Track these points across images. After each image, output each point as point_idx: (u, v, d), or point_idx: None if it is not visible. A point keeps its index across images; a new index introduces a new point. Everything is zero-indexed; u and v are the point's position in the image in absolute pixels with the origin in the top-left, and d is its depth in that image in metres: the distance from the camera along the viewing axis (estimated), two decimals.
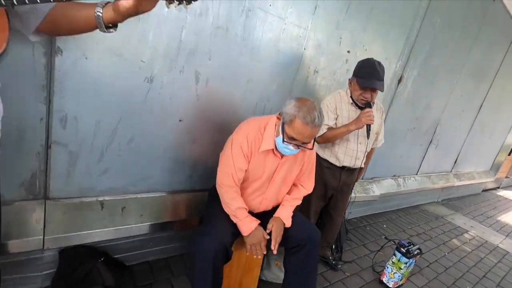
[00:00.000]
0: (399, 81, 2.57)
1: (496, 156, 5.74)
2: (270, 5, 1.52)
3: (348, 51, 2.03)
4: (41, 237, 1.19)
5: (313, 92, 1.98)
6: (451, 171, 4.44)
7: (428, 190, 3.97)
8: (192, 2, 0.59)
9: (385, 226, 3.10)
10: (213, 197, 1.46)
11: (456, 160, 4.39)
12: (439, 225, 3.57)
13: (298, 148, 1.22)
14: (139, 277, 1.56)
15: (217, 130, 1.63)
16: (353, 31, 1.98)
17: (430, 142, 3.53)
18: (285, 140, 1.17)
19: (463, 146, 4.33)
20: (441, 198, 4.57)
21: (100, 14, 0.65)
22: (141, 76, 1.28)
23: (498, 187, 6.84)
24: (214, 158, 1.59)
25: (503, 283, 2.55)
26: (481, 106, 4.12)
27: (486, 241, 3.43)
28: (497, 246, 3.36)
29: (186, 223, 1.67)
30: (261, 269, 1.67)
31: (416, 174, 3.67)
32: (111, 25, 0.68)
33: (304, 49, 1.78)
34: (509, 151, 6.06)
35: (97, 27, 0.68)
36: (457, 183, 4.50)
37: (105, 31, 0.68)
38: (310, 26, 1.73)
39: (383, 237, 2.80)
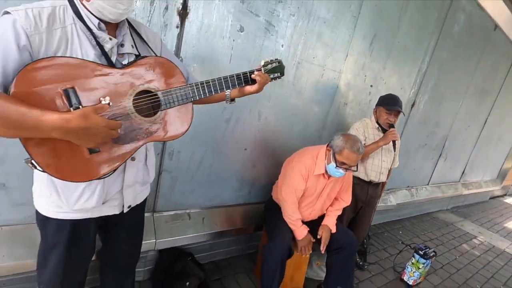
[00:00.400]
0: (412, 105, 2.96)
1: (502, 164, 6.06)
2: (313, 57, 1.94)
3: (371, 86, 2.44)
4: (154, 240, 1.59)
5: (342, 120, 2.39)
6: (459, 181, 4.79)
7: (438, 199, 4.31)
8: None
9: (401, 232, 3.46)
10: (271, 210, 1.86)
11: (464, 170, 4.73)
12: (449, 231, 3.91)
13: (346, 171, 1.62)
14: (210, 273, 1.95)
15: (270, 156, 2.03)
16: (375, 69, 2.39)
17: (440, 156, 3.90)
18: (337, 165, 1.58)
19: (470, 157, 4.69)
20: (450, 206, 4.89)
21: (229, 94, 1.06)
22: (222, 118, 1.70)
23: (505, 194, 7.12)
24: (267, 178, 2.01)
25: (509, 283, 2.88)
26: (486, 120, 4.49)
27: (494, 246, 3.75)
28: (504, 251, 3.68)
29: (243, 230, 2.07)
30: None
31: (427, 185, 4.03)
32: (233, 99, 1.09)
33: (337, 87, 2.19)
34: None
35: (223, 100, 1.08)
36: (465, 191, 4.83)
37: (229, 103, 1.09)
38: (342, 69, 2.15)
39: (400, 242, 3.15)
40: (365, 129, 2.11)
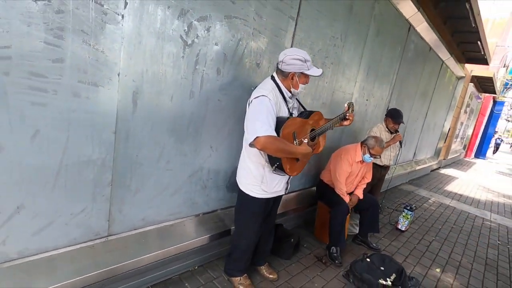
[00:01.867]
0: (387, 109, 4.21)
1: (437, 144, 7.95)
2: (340, 87, 2.97)
3: (367, 100, 3.57)
4: None
5: (353, 124, 3.46)
6: (412, 160, 6.35)
7: (401, 175, 5.75)
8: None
9: (384, 201, 4.72)
10: (324, 188, 2.84)
11: (415, 151, 6.31)
12: (412, 197, 5.34)
13: (374, 158, 2.68)
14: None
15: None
16: (369, 89, 3.53)
17: (403, 143, 5.29)
18: (370, 155, 2.62)
19: (418, 142, 6.27)
20: (408, 179, 6.44)
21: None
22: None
23: (440, 167, 9.18)
24: (316, 168, 2.97)
25: (457, 223, 4.32)
26: (426, 113, 6.09)
27: (442, 202, 5.29)
28: (449, 205, 5.22)
29: (300, 208, 3.00)
30: None
31: (395, 165, 5.40)
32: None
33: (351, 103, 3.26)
34: (444, 140, 8.35)
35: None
36: (417, 167, 6.42)
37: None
38: (353, 91, 3.23)
39: (386, 207, 4.38)
40: (380, 132, 3.22)
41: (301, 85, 1.68)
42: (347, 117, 1.93)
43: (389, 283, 2.34)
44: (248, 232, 1.89)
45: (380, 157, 2.70)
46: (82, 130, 1.32)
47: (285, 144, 1.52)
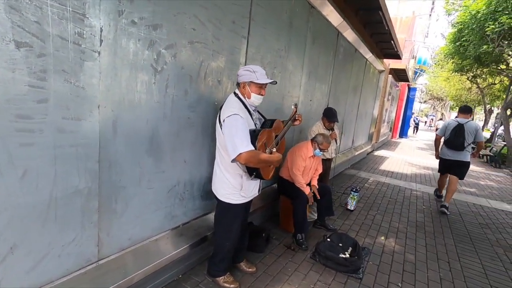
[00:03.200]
0: (328, 104, 4.77)
1: (369, 130, 9.08)
2: (288, 92, 3.33)
3: (310, 100, 4.03)
4: None
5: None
6: (351, 147, 7.20)
7: (344, 161, 6.50)
8: None
9: (333, 186, 5.32)
10: (284, 183, 3.18)
11: (353, 139, 7.16)
12: (355, 179, 6.10)
13: (323, 152, 3.10)
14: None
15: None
16: (311, 91, 3.99)
17: (342, 133, 6.01)
18: (320, 150, 3.04)
19: (355, 130, 7.13)
20: (349, 164, 7.27)
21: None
22: None
23: (373, 150, 10.47)
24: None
25: (392, 196, 5.12)
26: (358, 104, 6.97)
27: (379, 181, 6.16)
28: (384, 182, 6.11)
29: (265, 205, 3.30)
30: None
31: (339, 153, 6.10)
32: None
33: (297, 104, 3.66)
34: (374, 125, 9.57)
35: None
36: (356, 153, 7.30)
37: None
38: (299, 94, 3.63)
39: (335, 191, 4.97)
40: (319, 130, 3.67)
41: (253, 95, 1.88)
42: (296, 118, 2.29)
43: (348, 255, 2.78)
44: (231, 234, 2.09)
45: (327, 151, 3.15)
46: (68, 163, 1.38)
47: (263, 156, 1.79)
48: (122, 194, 1.68)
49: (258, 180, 2.08)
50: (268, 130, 1.95)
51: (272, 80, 1.88)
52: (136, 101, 1.63)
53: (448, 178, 4.78)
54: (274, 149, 1.96)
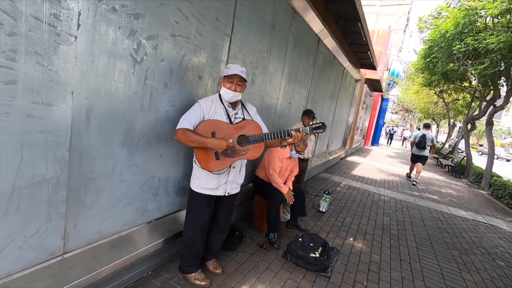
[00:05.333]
0: (306, 108, 4.88)
1: (343, 136, 9.40)
2: (268, 93, 3.38)
3: (289, 103, 4.11)
4: None
5: (280, 124, 3.94)
6: (326, 151, 7.41)
7: (319, 165, 6.68)
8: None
9: (307, 189, 5.44)
10: (260, 182, 3.21)
11: (328, 143, 7.37)
12: (328, 183, 6.28)
13: (300, 154, 3.17)
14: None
15: None
16: (290, 93, 4.07)
17: (318, 137, 6.16)
18: (296, 152, 3.10)
19: (330, 135, 7.35)
20: (323, 168, 7.48)
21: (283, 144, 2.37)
22: None
23: (346, 156, 10.84)
24: (251, 166, 3.32)
25: (362, 200, 5.34)
26: (335, 110, 7.19)
27: (350, 185, 6.39)
28: (355, 186, 6.35)
29: (240, 204, 3.31)
30: None
31: (313, 157, 6.25)
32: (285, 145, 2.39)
33: (276, 106, 3.72)
34: (349, 132, 9.91)
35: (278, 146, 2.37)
36: (330, 157, 7.52)
37: (282, 147, 2.39)
38: (279, 96, 3.69)
39: (309, 194, 5.10)
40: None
41: (223, 89, 1.93)
42: (291, 133, 1.92)
43: (318, 255, 2.86)
44: (193, 223, 2.09)
45: (303, 152, 3.24)
46: (36, 150, 1.31)
47: (194, 135, 1.80)
48: (93, 185, 1.62)
49: (219, 177, 2.02)
50: (223, 123, 1.91)
51: (240, 73, 1.86)
52: (112, 90, 1.58)
53: (415, 165, 7.99)
54: (230, 140, 1.88)
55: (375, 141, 18.98)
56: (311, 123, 1.97)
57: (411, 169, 8.39)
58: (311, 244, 3.02)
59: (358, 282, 2.64)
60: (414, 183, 7.58)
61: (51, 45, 1.26)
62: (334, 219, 4.11)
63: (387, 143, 21.49)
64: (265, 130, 2.10)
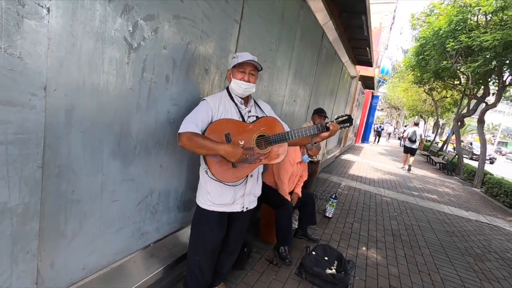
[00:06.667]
0: (308, 106, 4.58)
1: (340, 134, 9.19)
2: (275, 90, 3.04)
3: (294, 100, 3.79)
4: None
5: (285, 120, 3.61)
6: (325, 150, 7.15)
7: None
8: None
9: (315, 193, 5.16)
10: (268, 189, 2.87)
11: (326, 142, 7.11)
12: (328, 183, 6.03)
13: (312, 158, 2.85)
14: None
15: None
16: (295, 91, 3.74)
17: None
18: (309, 156, 2.78)
19: None
20: (321, 168, 7.23)
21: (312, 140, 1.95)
22: None
23: (341, 154, 10.67)
24: None
25: (365, 202, 5.11)
26: (333, 108, 6.94)
27: (351, 186, 6.16)
28: (355, 187, 6.13)
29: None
30: None
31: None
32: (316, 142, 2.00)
33: (282, 103, 3.39)
34: (345, 131, 9.73)
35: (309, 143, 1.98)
36: (328, 156, 7.28)
37: (312, 145, 2.01)
38: (285, 94, 3.36)
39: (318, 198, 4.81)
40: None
41: (234, 81, 1.58)
42: (328, 125, 1.64)
43: (334, 270, 2.57)
44: (199, 247, 1.71)
45: (316, 157, 2.93)
46: None
47: (203, 140, 1.43)
48: (76, 210, 1.23)
49: (235, 189, 1.67)
50: (239, 122, 1.57)
51: (253, 59, 1.54)
52: (101, 85, 1.20)
53: (408, 156, 9.86)
54: (242, 142, 1.55)
55: (365, 139, 19.03)
56: (336, 116, 1.68)
57: (405, 160, 10.04)
58: (326, 258, 2.72)
59: None
60: (409, 168, 9.66)
61: (11, 19, 0.86)
62: (342, 226, 3.84)
63: (375, 141, 21.03)
64: (286, 128, 1.76)
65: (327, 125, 1.64)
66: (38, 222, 1.09)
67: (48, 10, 0.95)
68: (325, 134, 1.66)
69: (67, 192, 1.17)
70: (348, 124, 1.70)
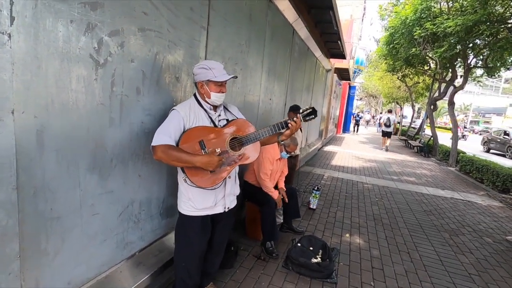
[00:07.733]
0: (285, 103, 4.68)
1: (319, 127, 9.40)
2: (249, 90, 3.11)
3: (270, 99, 3.87)
4: None
5: (262, 119, 3.70)
6: (306, 144, 7.31)
7: (300, 159, 6.55)
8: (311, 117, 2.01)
9: (297, 187, 5.28)
10: (251, 188, 2.95)
11: (307, 136, 7.28)
12: (312, 176, 6.19)
13: (290, 154, 2.95)
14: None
15: None
16: (270, 89, 3.83)
17: (305, 130, 6.02)
18: (287, 153, 2.88)
19: (308, 127, 7.26)
20: (304, 161, 7.39)
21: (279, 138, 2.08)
22: None
23: (323, 146, 10.92)
24: (239, 171, 3.06)
25: (348, 191, 5.29)
26: (311, 102, 7.10)
27: (334, 176, 6.35)
28: (338, 177, 6.32)
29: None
30: None
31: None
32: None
33: (258, 103, 3.46)
34: (324, 122, 9.94)
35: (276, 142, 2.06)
36: (309, 150, 7.45)
37: (281, 143, 2.11)
38: (260, 93, 3.43)
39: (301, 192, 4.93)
40: None
41: (213, 94, 1.61)
42: (288, 123, 1.70)
43: (319, 259, 2.69)
44: (185, 253, 1.76)
45: (294, 152, 3.03)
46: None
47: (178, 153, 1.47)
48: (56, 227, 1.26)
49: (215, 191, 1.72)
50: (211, 128, 1.63)
51: (232, 76, 1.61)
52: (71, 103, 1.22)
53: (385, 139, 11.89)
54: (218, 150, 1.60)
55: (346, 129, 19.48)
56: (300, 110, 1.76)
57: (384, 142, 12.04)
58: (311, 248, 2.83)
59: (366, 284, 2.51)
60: (386, 149, 11.72)
61: None
62: (326, 216, 3.98)
63: (354, 131, 20.96)
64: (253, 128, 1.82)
65: (288, 122, 1.69)
66: (18, 243, 1.11)
67: (10, 36, 0.97)
68: (287, 132, 1.73)
69: (45, 211, 1.20)
70: (313, 116, 1.77)
